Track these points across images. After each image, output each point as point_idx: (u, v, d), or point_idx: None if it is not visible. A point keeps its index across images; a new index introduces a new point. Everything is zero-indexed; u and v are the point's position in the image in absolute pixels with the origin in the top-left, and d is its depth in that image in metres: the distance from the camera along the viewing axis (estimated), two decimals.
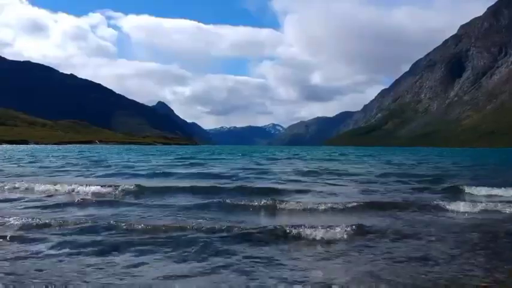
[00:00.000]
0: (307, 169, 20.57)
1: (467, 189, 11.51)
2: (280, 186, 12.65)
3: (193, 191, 11.29)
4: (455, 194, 11.21)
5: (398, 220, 7.56)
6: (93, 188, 11.16)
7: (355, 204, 8.78)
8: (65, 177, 15.26)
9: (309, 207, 8.63)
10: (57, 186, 11.56)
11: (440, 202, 8.95)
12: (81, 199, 9.56)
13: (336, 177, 16.44)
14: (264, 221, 7.58)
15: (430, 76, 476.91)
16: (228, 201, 9.28)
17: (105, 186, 11.53)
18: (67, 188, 11.35)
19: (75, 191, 11.07)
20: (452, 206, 8.57)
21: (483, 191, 11.31)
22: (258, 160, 32.00)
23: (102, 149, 78.62)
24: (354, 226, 6.37)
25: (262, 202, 8.99)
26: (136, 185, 11.49)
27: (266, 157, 39.66)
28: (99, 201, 9.48)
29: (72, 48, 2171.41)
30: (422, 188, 12.77)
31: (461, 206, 8.53)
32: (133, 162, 28.01)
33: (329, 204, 8.70)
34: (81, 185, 11.61)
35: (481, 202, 9.11)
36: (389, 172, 19.29)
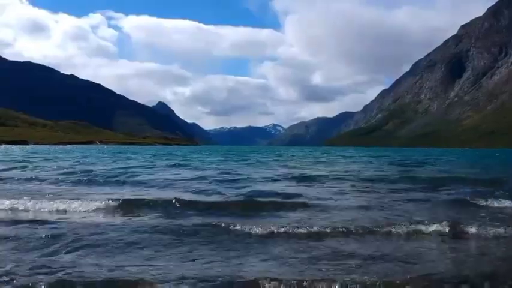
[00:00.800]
0: (304, 173, 18.49)
1: (487, 202, 9.55)
2: (267, 199, 10.21)
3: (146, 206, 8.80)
4: (476, 208, 9.19)
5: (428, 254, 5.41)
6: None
7: (360, 228, 6.62)
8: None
9: (295, 230, 6.39)
10: None
11: (472, 227, 6.69)
12: None
13: (335, 183, 14.30)
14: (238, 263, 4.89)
15: (430, 76, 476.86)
16: (185, 223, 6.92)
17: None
18: None
19: None
20: (484, 230, 6.63)
21: (507, 203, 9.40)
22: (253, 161, 30.37)
23: (95, 149, 78.72)
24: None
25: (241, 226, 6.55)
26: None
27: (262, 158, 38.29)
28: None
29: (73, 49, 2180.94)
30: (434, 198, 10.63)
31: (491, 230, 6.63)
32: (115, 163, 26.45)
33: (315, 228, 6.53)
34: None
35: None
36: (394, 175, 17.37)
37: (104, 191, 11.40)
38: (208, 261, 4.89)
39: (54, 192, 11.01)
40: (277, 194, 11.02)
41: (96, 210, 8.36)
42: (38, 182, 13.58)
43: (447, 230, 6.56)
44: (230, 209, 8.66)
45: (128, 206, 8.65)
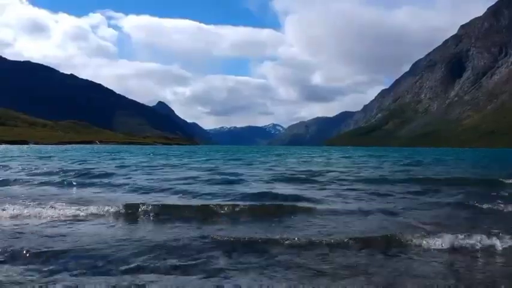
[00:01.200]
0: (303, 174, 17.67)
1: None
2: (262, 202, 9.17)
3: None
4: (488, 212, 8.34)
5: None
6: None
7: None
8: None
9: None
10: None
11: None
12: None
13: (337, 185, 13.28)
14: None
15: (430, 76, 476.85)
16: (165, 237, 5.95)
17: None
18: None
19: None
20: None
21: None
22: (250, 161, 29.32)
23: (91, 149, 78.59)
24: None
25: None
26: None
27: (260, 157, 37.47)
28: None
29: (73, 49, 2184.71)
30: (443, 201, 9.62)
31: None
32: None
33: (314, 238, 5.80)
34: None
35: None
36: (397, 176, 16.34)
37: (73, 194, 10.47)
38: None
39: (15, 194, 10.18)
40: (274, 197, 10.13)
41: (58, 216, 7.31)
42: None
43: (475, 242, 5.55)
44: (218, 215, 7.69)
45: (96, 214, 7.53)
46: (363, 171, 20.76)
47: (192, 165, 24.70)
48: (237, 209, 8.06)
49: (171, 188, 11.72)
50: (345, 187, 12.69)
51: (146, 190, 11.45)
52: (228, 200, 9.57)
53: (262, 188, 12.32)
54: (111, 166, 21.94)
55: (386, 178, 15.72)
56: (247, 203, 8.92)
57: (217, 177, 15.60)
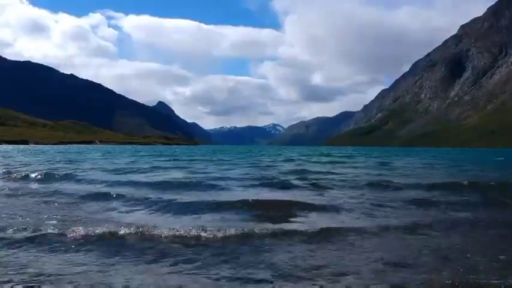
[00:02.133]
0: (297, 175, 15.44)
1: None
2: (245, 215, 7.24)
3: None
4: None
5: None
6: None
7: None
8: None
9: None
10: None
11: None
12: None
13: (344, 191, 10.96)
14: None
15: (430, 76, 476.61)
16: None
17: None
18: None
19: None
20: None
21: None
22: (245, 162, 27.95)
23: (81, 148, 78.61)
24: None
25: None
26: None
27: (256, 158, 36.04)
28: None
29: (73, 49, 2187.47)
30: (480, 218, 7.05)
31: None
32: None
33: None
34: None
35: None
36: (419, 182, 12.70)
37: None
38: None
39: None
40: (261, 206, 7.96)
41: None
42: None
43: None
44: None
45: None
46: (368, 172, 18.71)
47: (177, 165, 22.91)
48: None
49: (135, 194, 9.43)
50: (351, 193, 10.44)
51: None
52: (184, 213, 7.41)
53: (244, 194, 10.13)
54: (78, 168, 19.34)
55: (398, 182, 12.89)
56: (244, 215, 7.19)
57: (195, 180, 13.05)
